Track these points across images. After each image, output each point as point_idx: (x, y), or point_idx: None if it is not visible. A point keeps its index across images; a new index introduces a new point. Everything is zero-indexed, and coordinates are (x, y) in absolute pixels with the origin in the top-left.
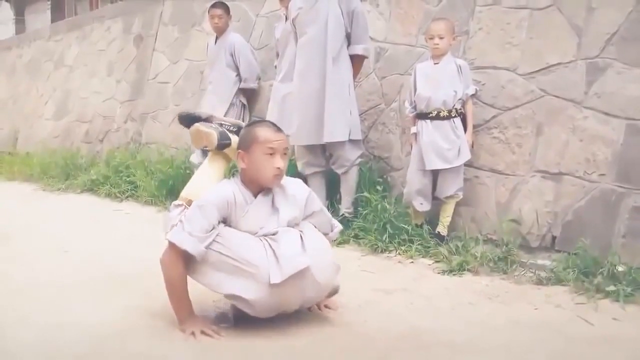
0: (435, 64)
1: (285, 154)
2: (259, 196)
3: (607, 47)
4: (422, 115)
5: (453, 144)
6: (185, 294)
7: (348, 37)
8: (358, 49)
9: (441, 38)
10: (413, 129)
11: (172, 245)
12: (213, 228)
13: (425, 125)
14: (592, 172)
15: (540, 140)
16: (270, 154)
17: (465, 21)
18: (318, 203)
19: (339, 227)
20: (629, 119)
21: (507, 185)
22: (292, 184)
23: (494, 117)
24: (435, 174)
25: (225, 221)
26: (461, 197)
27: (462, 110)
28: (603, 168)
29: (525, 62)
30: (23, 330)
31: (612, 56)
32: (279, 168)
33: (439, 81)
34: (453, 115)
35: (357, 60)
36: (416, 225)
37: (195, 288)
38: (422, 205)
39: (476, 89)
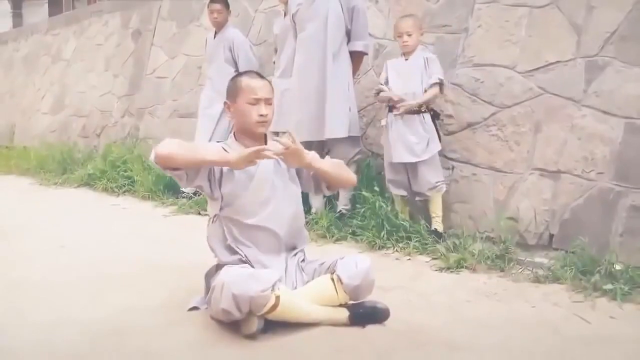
0: (405, 60)
1: (269, 103)
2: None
3: (606, 45)
4: (392, 109)
5: (421, 139)
6: (203, 146)
7: (348, 34)
8: (358, 46)
9: (409, 35)
10: (383, 122)
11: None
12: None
13: (394, 119)
14: (590, 170)
15: (538, 138)
16: (254, 104)
17: (464, 18)
18: None
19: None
20: (628, 117)
21: (505, 183)
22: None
23: (492, 114)
24: (410, 166)
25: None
26: (445, 189)
27: (432, 106)
28: (601, 166)
29: (524, 60)
30: (20, 328)
31: (611, 55)
32: (261, 115)
33: (409, 76)
34: (423, 111)
35: (356, 57)
36: (401, 214)
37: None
38: (399, 191)
39: (439, 78)
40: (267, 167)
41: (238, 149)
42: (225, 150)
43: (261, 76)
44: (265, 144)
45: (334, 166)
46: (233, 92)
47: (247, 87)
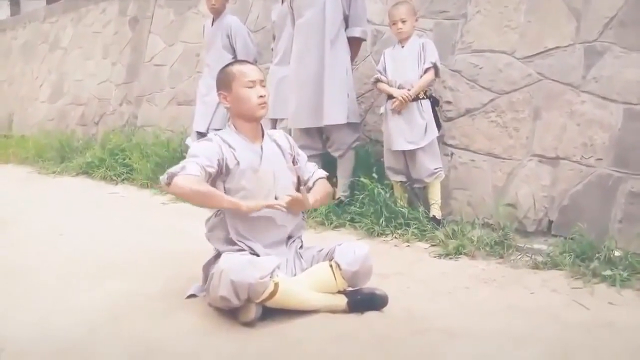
0: (402, 47)
1: (263, 85)
2: (247, 141)
3: (605, 31)
4: (390, 97)
5: (419, 126)
6: (218, 192)
7: (346, 20)
8: (356, 32)
9: (404, 22)
10: (381, 110)
11: (173, 174)
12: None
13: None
14: (589, 156)
15: (537, 124)
16: (251, 87)
17: (462, 4)
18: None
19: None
20: (627, 103)
21: (504, 169)
22: (276, 133)
23: (491, 100)
24: (408, 153)
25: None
26: (443, 176)
27: (430, 92)
28: (600, 153)
29: (523, 46)
30: (18, 315)
31: (610, 40)
32: (261, 96)
33: (405, 64)
34: (420, 97)
35: (355, 43)
36: (400, 201)
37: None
38: (397, 177)
39: (431, 62)
40: (270, 158)
41: (239, 139)
42: (225, 140)
43: (249, 62)
44: (262, 130)
45: (324, 197)
46: (226, 81)
47: (239, 72)
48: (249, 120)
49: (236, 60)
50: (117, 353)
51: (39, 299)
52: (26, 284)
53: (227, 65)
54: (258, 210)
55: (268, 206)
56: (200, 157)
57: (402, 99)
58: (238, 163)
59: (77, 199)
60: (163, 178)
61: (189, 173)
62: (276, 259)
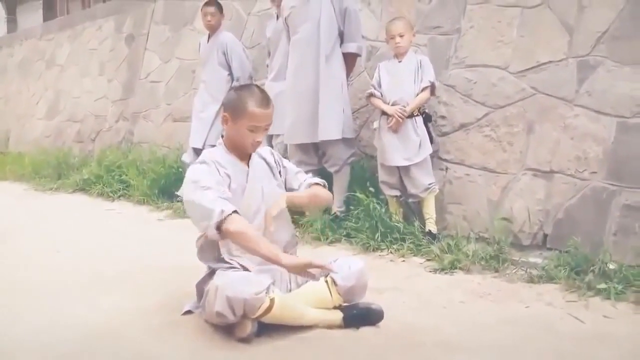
0: (399, 62)
1: (267, 128)
2: (236, 159)
3: (598, 45)
4: (384, 112)
5: (413, 142)
6: (265, 240)
7: (341, 36)
8: (351, 47)
9: (402, 36)
10: (375, 124)
11: (220, 222)
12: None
13: (387, 122)
14: (583, 170)
15: (531, 138)
16: (253, 131)
17: (456, 19)
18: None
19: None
20: (620, 116)
21: (498, 183)
22: (262, 150)
23: (485, 115)
24: (402, 169)
25: None
26: (437, 190)
27: (424, 109)
28: (594, 166)
29: (517, 61)
30: (15, 330)
31: (603, 54)
32: (257, 141)
33: (402, 78)
34: (415, 114)
35: (350, 59)
36: (395, 215)
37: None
38: (391, 191)
39: (430, 81)
40: (257, 175)
41: (229, 159)
42: (217, 160)
43: (267, 100)
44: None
45: (312, 196)
46: (236, 111)
47: (252, 114)
48: (237, 150)
49: (257, 94)
50: None
51: (36, 314)
52: (22, 299)
53: (246, 93)
54: (300, 269)
55: (307, 266)
56: (215, 189)
57: (397, 117)
58: (230, 183)
59: (73, 216)
60: (209, 227)
61: (233, 211)
62: (271, 275)
